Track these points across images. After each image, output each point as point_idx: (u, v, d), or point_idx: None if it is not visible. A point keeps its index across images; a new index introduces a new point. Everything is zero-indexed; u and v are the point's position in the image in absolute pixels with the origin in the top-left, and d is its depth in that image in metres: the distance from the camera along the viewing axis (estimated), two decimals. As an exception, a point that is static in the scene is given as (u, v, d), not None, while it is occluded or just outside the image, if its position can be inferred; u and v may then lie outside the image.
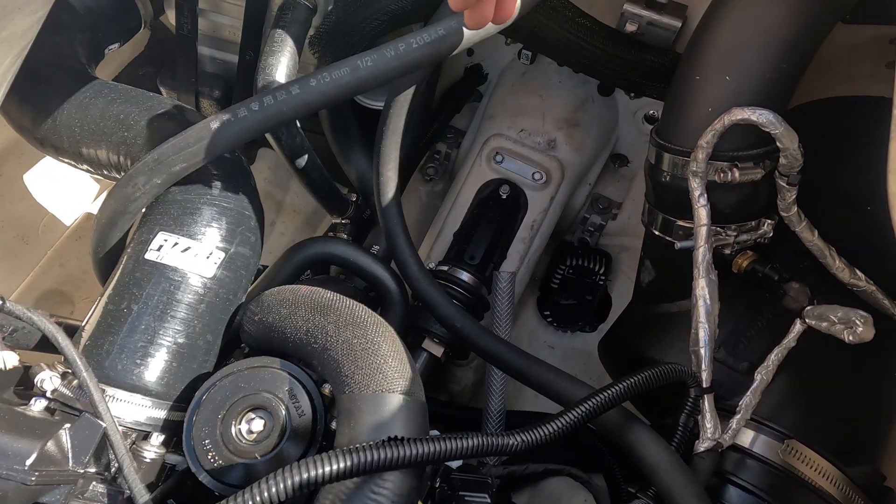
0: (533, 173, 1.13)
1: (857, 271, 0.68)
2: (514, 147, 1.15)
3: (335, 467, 0.42)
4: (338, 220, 1.06)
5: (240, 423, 0.53)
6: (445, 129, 1.29)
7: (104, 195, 1.19)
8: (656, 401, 0.80)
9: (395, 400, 0.49)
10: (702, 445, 0.62)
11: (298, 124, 0.82)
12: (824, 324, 0.61)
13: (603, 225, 1.27)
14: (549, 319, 1.26)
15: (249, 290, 0.69)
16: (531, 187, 1.13)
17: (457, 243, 1.08)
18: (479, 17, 0.38)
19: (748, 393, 0.64)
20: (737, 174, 0.64)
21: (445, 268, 1.03)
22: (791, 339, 0.64)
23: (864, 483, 0.67)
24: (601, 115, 1.20)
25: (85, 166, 0.73)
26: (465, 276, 1.02)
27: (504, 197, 1.13)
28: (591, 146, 1.19)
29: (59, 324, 0.51)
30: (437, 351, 0.99)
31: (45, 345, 0.63)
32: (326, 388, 0.57)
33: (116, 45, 0.90)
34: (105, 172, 0.72)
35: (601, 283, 1.23)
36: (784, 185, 0.64)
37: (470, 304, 1.01)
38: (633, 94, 1.19)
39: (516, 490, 0.96)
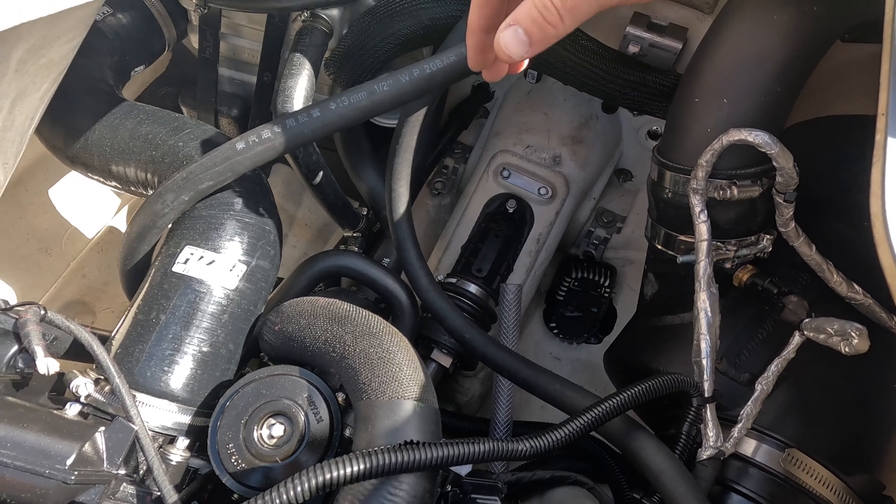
0: (539, 188, 1.16)
1: (855, 285, 0.70)
2: (520, 163, 1.18)
3: (354, 469, 0.44)
4: (349, 234, 1.09)
5: (261, 429, 0.56)
6: (453, 144, 1.33)
7: (126, 209, 1.24)
8: (660, 411, 0.82)
9: (410, 406, 0.51)
10: (704, 454, 0.64)
11: (314, 143, 0.86)
12: (821, 336, 0.63)
13: (608, 238, 1.30)
14: (555, 331, 1.28)
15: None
16: (537, 202, 1.16)
17: (464, 256, 1.11)
18: (495, 72, 0.42)
19: (749, 403, 0.66)
20: (735, 191, 0.66)
21: (454, 280, 1.05)
22: (790, 350, 0.66)
23: (863, 491, 0.68)
24: (605, 131, 1.23)
25: (113, 183, 0.77)
26: (472, 288, 1.05)
27: (511, 211, 1.15)
28: (596, 162, 1.22)
29: (95, 333, 0.54)
30: (446, 361, 1.01)
31: (74, 352, 0.66)
32: (340, 397, 0.59)
33: (142, 66, 0.95)
34: (133, 189, 0.76)
35: (606, 295, 1.25)
36: (781, 202, 0.67)
37: (478, 316, 1.03)
38: (635, 113, 1.22)
39: (524, 498, 0.97)
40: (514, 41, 0.35)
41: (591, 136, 1.21)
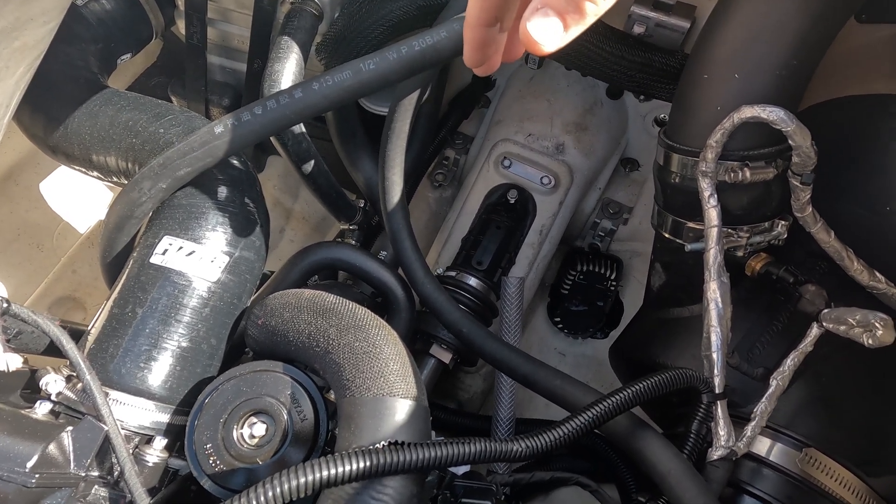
0: (541, 178, 1.12)
1: (877, 273, 0.66)
2: (521, 152, 1.14)
3: (333, 471, 0.41)
4: (346, 227, 1.06)
5: (242, 428, 0.53)
6: (454, 135, 1.29)
7: (116, 202, 1.22)
8: (668, 408, 0.78)
9: (397, 404, 0.48)
10: (715, 453, 0.60)
11: (304, 130, 0.83)
12: (842, 327, 0.59)
13: (614, 230, 1.25)
14: (560, 326, 1.24)
15: (255, 295, 0.69)
16: (540, 192, 1.12)
17: (465, 249, 1.08)
18: (487, 68, 0.38)
19: (763, 399, 0.62)
20: (748, 174, 0.62)
21: (453, 273, 1.02)
22: (808, 343, 0.62)
23: (888, 494, 0.64)
24: (610, 118, 1.19)
25: (95, 173, 0.74)
26: (473, 281, 1.01)
27: (512, 202, 1.12)
28: (601, 150, 1.18)
29: (65, 327, 0.52)
30: (445, 357, 0.98)
31: (54, 349, 0.63)
32: (331, 394, 0.56)
33: (128, 55, 0.92)
34: (115, 179, 0.73)
35: (612, 288, 1.21)
36: (797, 184, 0.62)
37: (478, 310, 1.00)
38: (642, 97, 1.17)
39: (526, 499, 0.94)
40: (546, 28, 0.29)
41: (596, 123, 1.16)
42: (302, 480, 0.40)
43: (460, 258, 1.06)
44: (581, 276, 1.22)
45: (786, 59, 0.59)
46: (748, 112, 0.58)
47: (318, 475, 0.41)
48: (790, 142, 0.59)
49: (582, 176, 1.15)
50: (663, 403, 0.77)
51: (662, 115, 1.20)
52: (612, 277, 1.21)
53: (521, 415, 1.01)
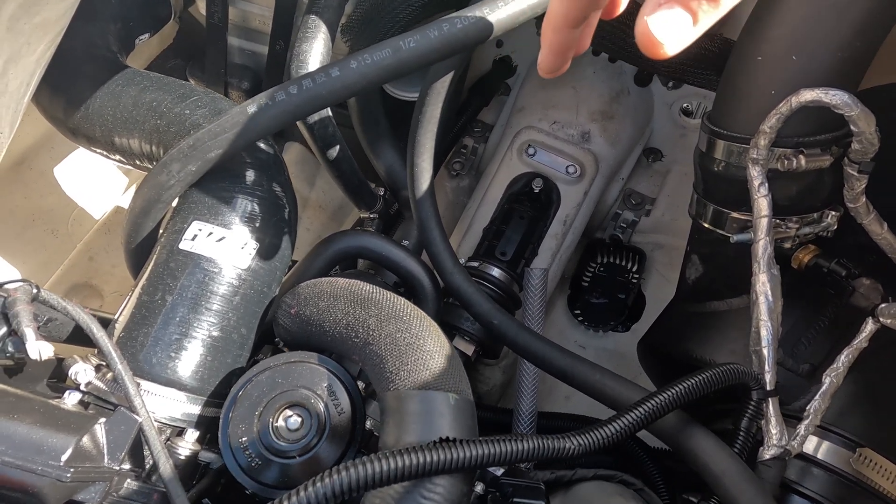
0: (567, 167, 1.09)
1: (931, 267, 0.63)
2: (546, 140, 1.11)
3: (384, 469, 0.39)
4: (365, 215, 1.04)
5: (277, 421, 0.51)
6: (473, 123, 1.26)
7: (135, 188, 1.19)
8: (704, 405, 0.76)
9: (444, 399, 0.46)
10: (768, 453, 0.58)
11: (330, 114, 0.80)
12: (901, 322, 0.57)
13: (636, 221, 1.23)
14: (580, 318, 1.22)
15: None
16: (565, 181, 1.09)
17: (487, 239, 1.05)
18: (560, 71, 0.34)
19: (817, 397, 0.59)
20: (802, 161, 0.59)
21: (476, 264, 1.00)
22: (863, 339, 0.59)
23: (941, 496, 0.62)
24: (636, 107, 1.16)
25: (117, 156, 0.71)
26: (496, 272, 0.99)
27: (536, 191, 1.09)
28: (626, 139, 1.15)
29: (93, 316, 0.49)
30: (468, 349, 0.96)
31: (77, 337, 0.61)
32: (360, 386, 0.54)
33: (147, 35, 0.89)
34: (137, 162, 0.71)
35: (634, 281, 1.18)
36: (854, 173, 0.60)
37: (502, 302, 0.98)
38: (671, 84, 1.14)
39: (550, 493, 0.92)
40: (671, 24, 0.25)
41: (622, 112, 1.13)
42: (354, 478, 0.38)
43: (483, 248, 1.04)
44: (602, 268, 1.19)
45: (848, 41, 0.56)
46: (808, 95, 0.55)
47: (369, 472, 0.39)
48: (852, 127, 0.56)
49: (607, 165, 1.12)
50: (700, 399, 0.74)
51: (686, 105, 1.17)
52: (634, 270, 1.18)
53: (541, 408, 0.98)
